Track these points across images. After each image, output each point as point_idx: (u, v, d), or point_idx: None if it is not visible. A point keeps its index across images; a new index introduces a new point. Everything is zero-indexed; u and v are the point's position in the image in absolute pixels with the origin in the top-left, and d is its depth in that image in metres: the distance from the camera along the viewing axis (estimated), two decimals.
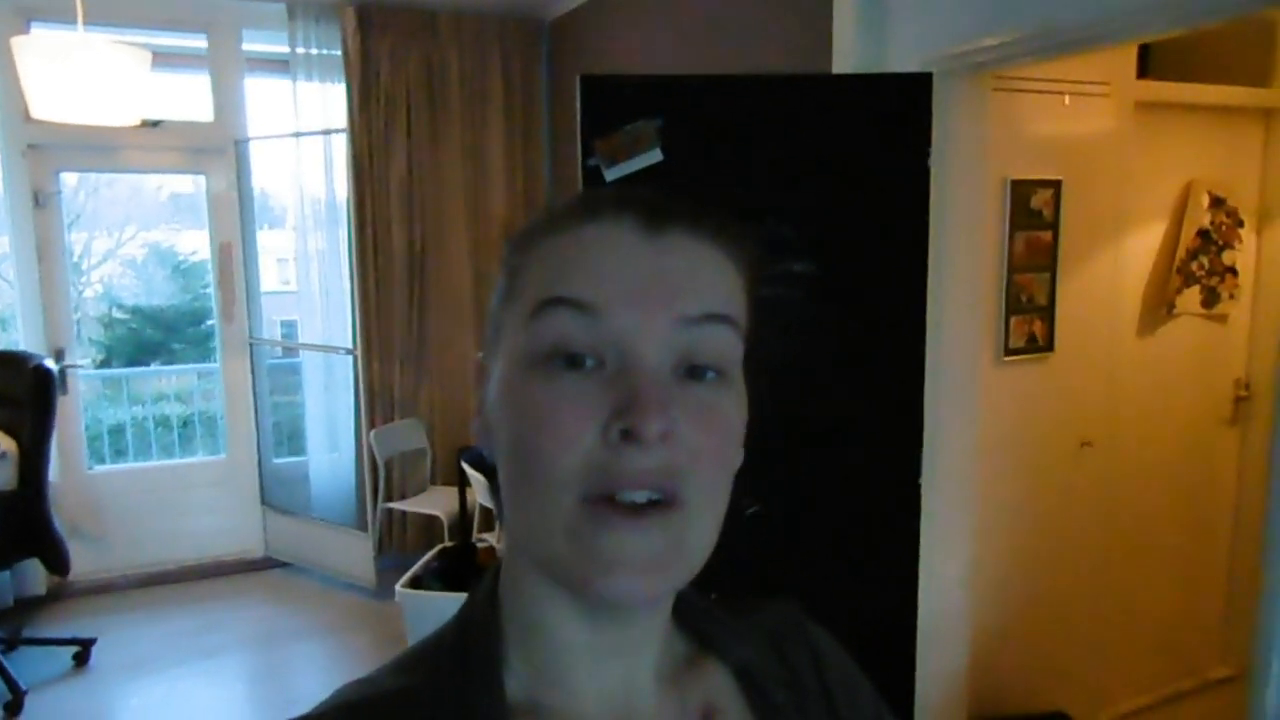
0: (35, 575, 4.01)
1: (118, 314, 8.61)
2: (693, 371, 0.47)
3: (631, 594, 0.46)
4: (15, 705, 3.15)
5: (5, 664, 3.25)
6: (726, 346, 0.49)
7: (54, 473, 3.56)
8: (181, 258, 9.16)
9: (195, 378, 6.67)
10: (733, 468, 0.50)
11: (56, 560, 3.41)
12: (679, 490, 0.46)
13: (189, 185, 7.57)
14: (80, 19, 2.96)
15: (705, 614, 0.60)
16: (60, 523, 3.50)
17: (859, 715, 0.62)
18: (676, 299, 0.47)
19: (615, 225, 0.48)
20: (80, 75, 2.83)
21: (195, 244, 8.81)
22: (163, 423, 5.88)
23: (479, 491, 3.60)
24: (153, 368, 8.19)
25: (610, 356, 0.46)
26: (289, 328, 6.55)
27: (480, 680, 0.51)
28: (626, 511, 0.45)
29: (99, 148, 4.16)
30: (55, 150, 4.06)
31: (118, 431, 5.56)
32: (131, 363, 8.06)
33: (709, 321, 0.48)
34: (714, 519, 0.49)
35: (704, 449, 0.47)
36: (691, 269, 0.48)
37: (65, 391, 4.02)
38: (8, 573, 3.83)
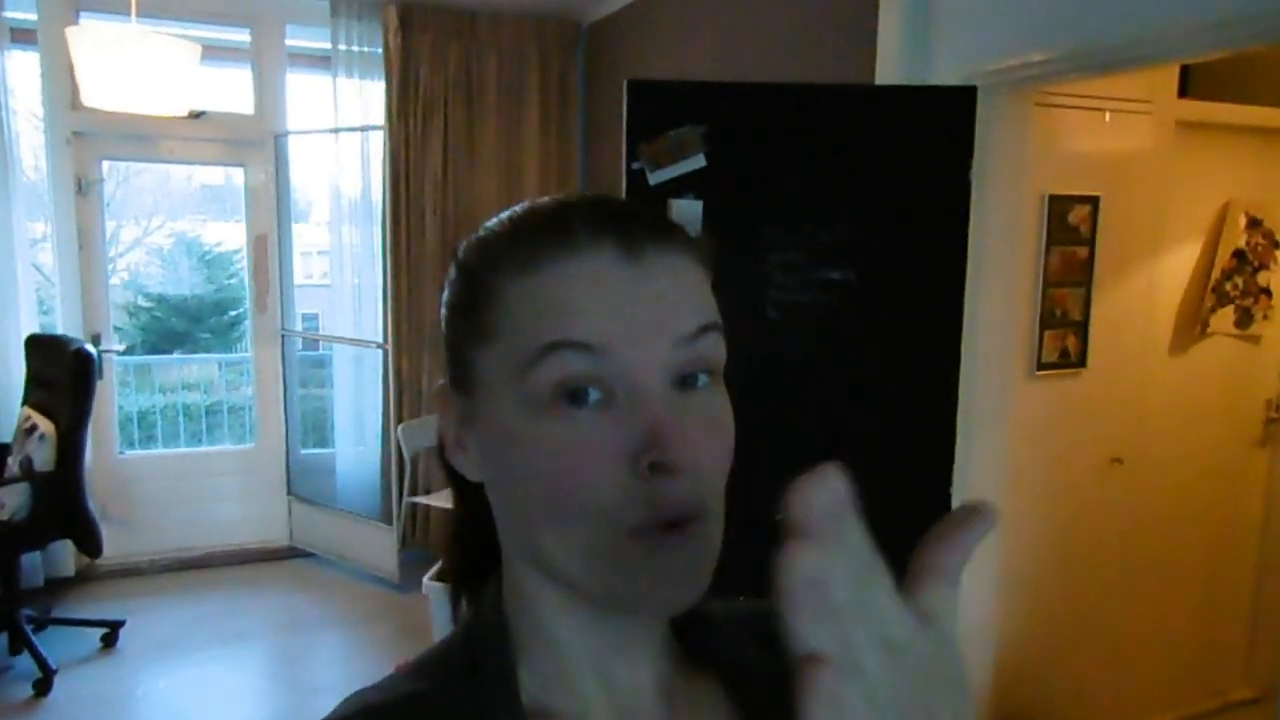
0: (64, 556, 4.07)
1: (143, 302, 8.70)
2: (687, 380, 0.49)
3: (677, 604, 0.49)
4: (45, 684, 3.20)
5: (35, 643, 3.30)
6: (717, 350, 0.51)
7: (87, 456, 3.61)
8: (207, 248, 9.25)
9: (219, 367, 6.74)
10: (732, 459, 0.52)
11: (90, 542, 3.45)
12: (705, 501, 0.49)
13: (219, 177, 7.66)
14: (133, 10, 3.03)
15: (695, 617, 0.60)
16: (93, 505, 3.55)
17: None
18: (672, 322, 0.48)
19: (595, 255, 0.48)
20: (135, 65, 2.88)
21: (221, 235, 8.92)
22: (187, 412, 5.94)
23: None
24: (177, 356, 8.27)
25: (619, 389, 0.47)
26: (310, 321, 6.61)
27: (497, 686, 0.52)
28: (667, 531, 0.47)
29: (141, 137, 4.23)
30: (99, 138, 4.13)
31: (145, 418, 5.63)
32: (154, 351, 8.14)
33: (702, 334, 0.49)
34: (723, 510, 0.51)
35: (715, 456, 0.50)
36: (677, 288, 0.49)
37: (102, 376, 4.08)
38: (39, 553, 3.89)
